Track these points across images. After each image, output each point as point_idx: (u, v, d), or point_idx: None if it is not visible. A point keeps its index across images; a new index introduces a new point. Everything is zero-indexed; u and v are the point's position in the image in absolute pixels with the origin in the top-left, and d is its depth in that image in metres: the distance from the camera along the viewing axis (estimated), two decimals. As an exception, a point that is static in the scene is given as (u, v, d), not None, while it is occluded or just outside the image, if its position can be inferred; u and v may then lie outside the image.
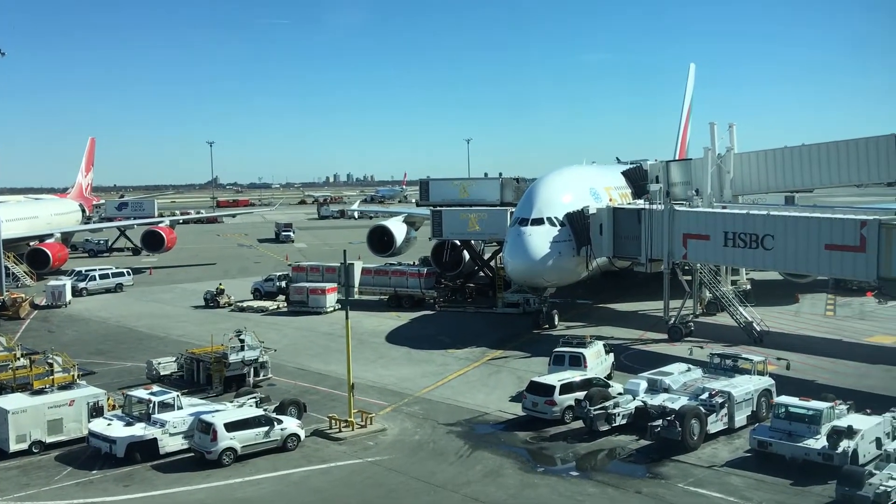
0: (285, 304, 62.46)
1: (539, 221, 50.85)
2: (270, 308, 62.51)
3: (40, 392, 33.22)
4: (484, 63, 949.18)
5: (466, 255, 66.98)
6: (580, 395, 33.20)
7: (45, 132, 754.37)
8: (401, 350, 48.43)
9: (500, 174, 66.17)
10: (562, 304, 57.53)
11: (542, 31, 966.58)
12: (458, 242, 65.49)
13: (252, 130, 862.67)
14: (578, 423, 32.83)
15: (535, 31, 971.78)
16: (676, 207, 49.05)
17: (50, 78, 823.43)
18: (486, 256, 67.95)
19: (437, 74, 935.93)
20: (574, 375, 35.02)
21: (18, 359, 38.91)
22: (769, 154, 57.33)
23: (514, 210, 55.69)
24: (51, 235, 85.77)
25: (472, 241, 65.42)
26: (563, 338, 41.60)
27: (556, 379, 34.41)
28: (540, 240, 50.03)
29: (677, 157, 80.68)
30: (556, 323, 52.79)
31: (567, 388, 33.82)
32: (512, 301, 57.97)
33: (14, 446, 30.60)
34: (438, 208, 63.46)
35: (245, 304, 63.87)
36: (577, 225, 51.49)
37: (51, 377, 35.41)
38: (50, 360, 37.34)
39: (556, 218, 51.23)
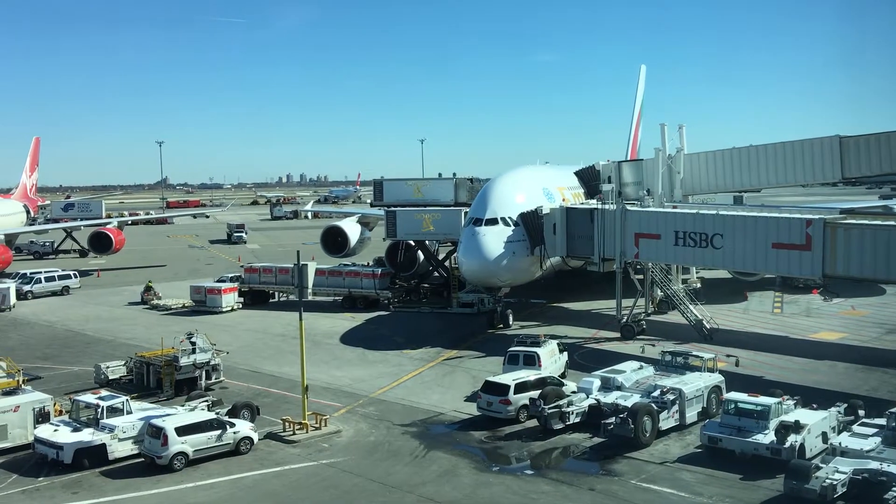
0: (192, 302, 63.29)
1: (493, 221, 51.08)
2: (173, 306, 63.57)
3: (-17, 398, 32.22)
4: (437, 63, 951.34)
5: (421, 255, 66.93)
6: (534, 393, 33.40)
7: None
8: (355, 351, 48.19)
9: (455, 174, 66.29)
10: (516, 303, 57.86)
11: (494, 31, 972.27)
12: (412, 243, 65.39)
13: (203, 130, 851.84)
14: (533, 422, 33.05)
15: (487, 32, 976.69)
16: (628, 207, 49.68)
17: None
18: (441, 257, 67.95)
19: (391, 74, 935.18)
20: (528, 374, 35.23)
21: (-41, 365, 37.69)
22: (718, 154, 58.41)
23: (468, 210, 55.80)
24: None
25: (427, 242, 65.36)
26: (518, 337, 41.83)
27: (510, 378, 34.58)
28: (494, 240, 50.25)
29: (629, 158, 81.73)
30: (511, 322, 53.06)
31: (521, 387, 34.00)
32: (466, 301, 58.09)
33: (-45, 455, 29.70)
34: (392, 209, 63.25)
35: (154, 302, 65.26)
36: (530, 225, 51.84)
37: (-6, 383, 34.37)
38: (-7, 366, 36.22)
39: (510, 218, 51.51)
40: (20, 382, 35.17)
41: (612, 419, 30.71)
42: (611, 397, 32.72)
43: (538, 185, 56.68)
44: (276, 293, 65.74)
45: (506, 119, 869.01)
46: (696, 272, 60.30)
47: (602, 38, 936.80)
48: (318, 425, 33.25)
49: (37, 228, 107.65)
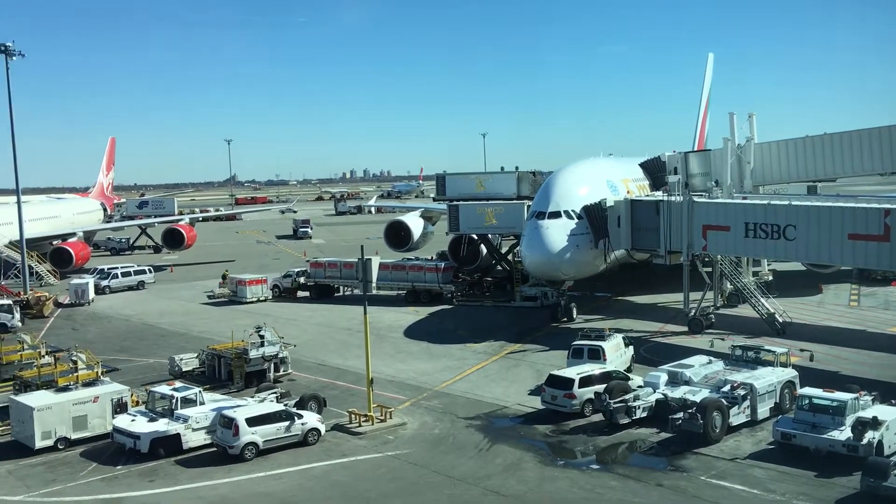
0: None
1: (556, 214, 50.68)
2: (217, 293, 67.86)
3: (65, 389, 33.58)
4: (500, 56, 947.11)
5: (484, 249, 66.90)
6: (600, 388, 33.13)
7: (67, 132, 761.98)
8: (419, 345, 48.52)
9: (517, 168, 65.61)
10: (580, 297, 57.29)
11: (558, 23, 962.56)
12: (475, 237, 65.43)
13: (270, 128, 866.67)
14: (598, 417, 32.77)
15: (551, 24, 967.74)
16: (696, 199, 48.71)
17: (71, 78, 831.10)
18: (504, 250, 67.84)
19: (453, 69, 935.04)
20: (593, 368, 34.95)
21: (43, 357, 39.39)
22: (790, 143, 56.74)
23: (530, 204, 55.53)
24: (73, 234, 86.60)
25: (490, 236, 65.33)
26: (582, 331, 41.49)
27: (575, 372, 34.36)
28: (557, 233, 49.87)
29: (696, 149, 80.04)
30: (575, 316, 52.62)
31: (586, 381, 33.75)
32: (530, 295, 57.85)
33: (39, 443, 30.99)
34: (455, 203, 63.37)
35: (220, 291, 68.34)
36: (594, 217, 51.27)
37: (75, 374, 35.77)
38: (74, 358, 37.68)
39: (573, 211, 51.03)
40: (99, 374, 36.64)
41: (681, 414, 30.17)
42: (679, 392, 32.17)
43: (602, 178, 56.00)
44: (341, 287, 66.62)
45: (569, 112, 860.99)
46: (768, 265, 58.73)
47: (668, 27, 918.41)
48: (383, 418, 33.62)
49: (113, 225, 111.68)
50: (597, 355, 36.86)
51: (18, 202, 69.98)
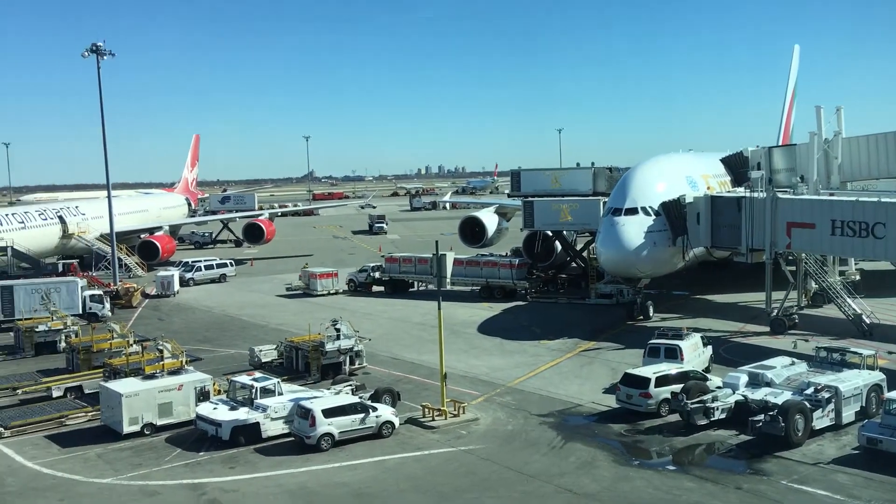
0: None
1: (633, 211, 49.89)
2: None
3: (151, 377, 34.91)
4: (577, 50, 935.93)
5: (558, 245, 66.42)
6: (677, 387, 32.52)
7: (154, 129, 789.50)
8: (493, 340, 48.55)
9: (593, 164, 64.92)
10: (657, 295, 56.32)
11: (635, 15, 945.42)
12: (549, 233, 65.02)
13: (346, 124, 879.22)
14: (675, 417, 32.18)
15: (626, 16, 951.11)
16: (780, 195, 47.24)
17: (157, 77, 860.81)
18: (579, 247, 67.21)
19: (529, 64, 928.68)
20: (670, 368, 34.35)
21: (131, 345, 41.11)
22: (880, 138, 54.42)
23: (606, 200, 54.83)
24: (160, 228, 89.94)
25: (564, 232, 64.81)
26: (659, 329, 40.79)
27: (651, 371, 33.83)
28: (634, 230, 49.10)
29: (780, 143, 77.56)
30: (651, 314, 51.75)
31: (663, 380, 33.19)
32: (605, 292, 57.13)
33: (127, 428, 32.29)
34: (530, 199, 63.15)
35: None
36: (672, 214, 50.28)
37: (161, 363, 37.19)
38: (160, 347, 39.20)
39: (650, 207, 50.14)
40: (183, 363, 37.94)
41: (761, 416, 29.38)
42: (759, 394, 31.30)
43: (681, 173, 54.85)
44: (416, 282, 67.21)
45: (648, 107, 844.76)
46: (855, 264, 56.50)
47: (749, 17, 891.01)
48: (456, 412, 33.80)
49: (197, 220, 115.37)
50: (674, 354, 36.20)
51: (109, 197, 73.11)
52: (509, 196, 75.15)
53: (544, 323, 52.45)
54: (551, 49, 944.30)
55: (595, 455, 29.26)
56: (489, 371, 41.50)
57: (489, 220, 74.48)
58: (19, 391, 38.21)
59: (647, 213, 49.85)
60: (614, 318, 52.55)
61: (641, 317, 51.49)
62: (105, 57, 67.45)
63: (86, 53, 66.76)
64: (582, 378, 39.63)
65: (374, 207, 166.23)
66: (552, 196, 62.59)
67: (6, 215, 75.22)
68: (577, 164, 65.88)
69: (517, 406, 35.51)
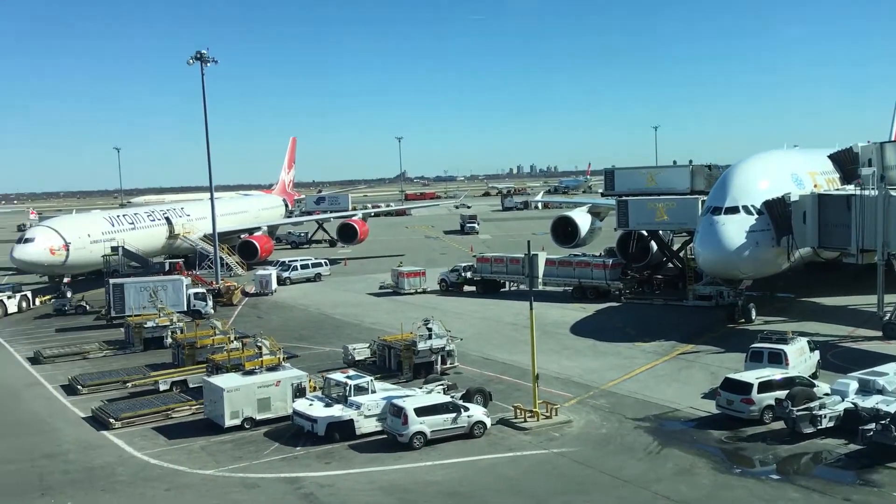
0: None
1: (734, 210, 48.20)
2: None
3: (251, 373, 35.97)
4: (672, 44, 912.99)
5: (654, 245, 64.95)
6: (781, 394, 31.21)
7: (253, 133, 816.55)
8: (586, 342, 47.84)
9: (690, 162, 63.17)
10: (759, 297, 54.19)
11: (737, 7, 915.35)
12: (644, 233, 63.68)
13: (438, 125, 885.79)
14: (779, 424, 30.85)
15: (729, 9, 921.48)
16: (892, 193, 44.69)
17: (257, 82, 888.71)
18: (676, 247, 65.52)
19: (623, 60, 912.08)
20: (774, 373, 32.99)
21: (232, 342, 42.48)
22: None
23: (705, 199, 53.24)
24: (258, 228, 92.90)
25: (661, 232, 63.33)
26: (762, 333, 39.22)
27: (753, 376, 32.56)
28: (735, 229, 47.43)
29: (893, 139, 73.46)
30: (754, 317, 49.91)
31: (766, 386, 31.90)
32: (704, 294, 55.34)
33: (228, 422, 33.35)
34: (624, 198, 62.00)
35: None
36: (776, 213, 48.31)
37: (260, 359, 38.22)
38: (259, 344, 40.30)
39: (752, 206, 48.32)
40: (281, 360, 38.93)
41: (873, 425, 27.80)
42: (871, 401, 29.67)
43: (785, 171, 52.67)
44: (507, 283, 66.97)
45: (750, 102, 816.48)
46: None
47: (857, 7, 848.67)
48: (548, 414, 33.43)
49: (293, 220, 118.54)
50: (778, 359, 34.77)
51: (212, 199, 75.87)
52: (603, 195, 74.11)
53: (639, 325, 51.34)
54: (647, 42, 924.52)
55: (694, 462, 28.37)
56: (582, 373, 40.89)
57: (582, 219, 73.50)
58: (129, 384, 40.13)
59: (748, 212, 48.09)
60: (714, 320, 50.92)
61: (743, 320, 49.75)
62: (208, 64, 70.03)
63: (191, 61, 69.46)
64: (679, 382, 38.55)
65: (469, 207, 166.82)
66: (647, 195, 61.27)
67: (118, 217, 79.09)
68: (674, 163, 64.21)
69: (611, 409, 34.83)
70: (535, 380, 34.46)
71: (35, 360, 48.08)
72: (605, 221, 75.81)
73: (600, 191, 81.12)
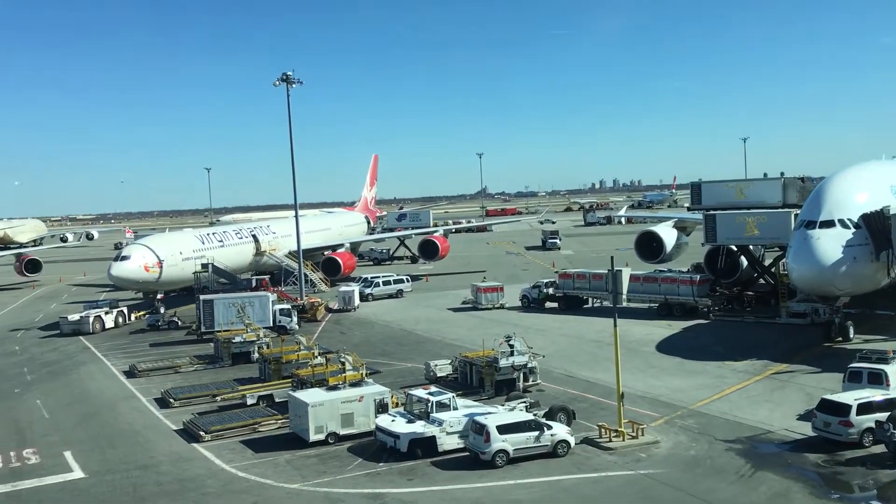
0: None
1: (829, 223, 46.20)
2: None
3: (335, 388, 36.38)
4: (759, 52, 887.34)
5: (744, 261, 62.91)
6: (882, 416, 29.61)
7: (335, 151, 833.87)
8: (672, 360, 46.59)
9: (782, 174, 61.05)
10: (857, 314, 51.77)
11: (823, 10, 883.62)
12: (734, 248, 61.75)
13: (519, 140, 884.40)
14: (880, 448, 29.33)
15: (815, 12, 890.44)
16: None
17: (339, 101, 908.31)
18: (767, 262, 63.27)
19: (708, 69, 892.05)
20: (874, 394, 31.37)
21: (316, 357, 43.10)
22: None
23: (798, 212, 51.27)
24: (341, 245, 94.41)
25: (751, 247, 61.30)
26: (861, 352, 37.41)
27: (852, 397, 31.03)
28: (830, 244, 45.41)
29: None
30: (852, 336, 47.69)
31: (866, 407, 30.35)
32: (798, 311, 53.34)
33: (313, 437, 33.79)
34: (712, 212, 60.32)
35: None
36: (875, 227, 46.05)
37: (343, 375, 38.68)
38: (342, 359, 40.80)
39: (849, 219, 46.23)
40: (363, 375, 39.28)
41: None
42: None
43: (885, 182, 50.28)
44: (590, 299, 66.01)
45: (842, 111, 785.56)
46: None
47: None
48: (634, 434, 32.62)
49: (375, 237, 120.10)
50: (879, 380, 33.09)
51: (297, 217, 77.49)
52: (689, 209, 72.28)
53: (729, 343, 49.73)
54: (733, 51, 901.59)
55: (789, 486, 27.15)
56: (669, 392, 39.78)
57: (667, 234, 71.82)
58: (218, 398, 41.23)
59: (845, 226, 46.01)
60: (809, 339, 48.92)
61: (840, 338, 47.60)
62: (294, 85, 71.81)
63: (277, 83, 71.35)
64: (773, 403, 37.06)
65: (554, 223, 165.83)
66: (736, 209, 59.44)
67: (208, 235, 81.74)
68: (765, 175, 62.18)
69: (700, 430, 33.73)
70: (621, 398, 33.68)
71: (130, 373, 49.98)
72: (692, 237, 73.95)
73: (686, 205, 79.13)
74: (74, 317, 66.93)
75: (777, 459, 29.93)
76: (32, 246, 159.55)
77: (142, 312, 71.71)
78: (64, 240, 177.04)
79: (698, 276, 60.98)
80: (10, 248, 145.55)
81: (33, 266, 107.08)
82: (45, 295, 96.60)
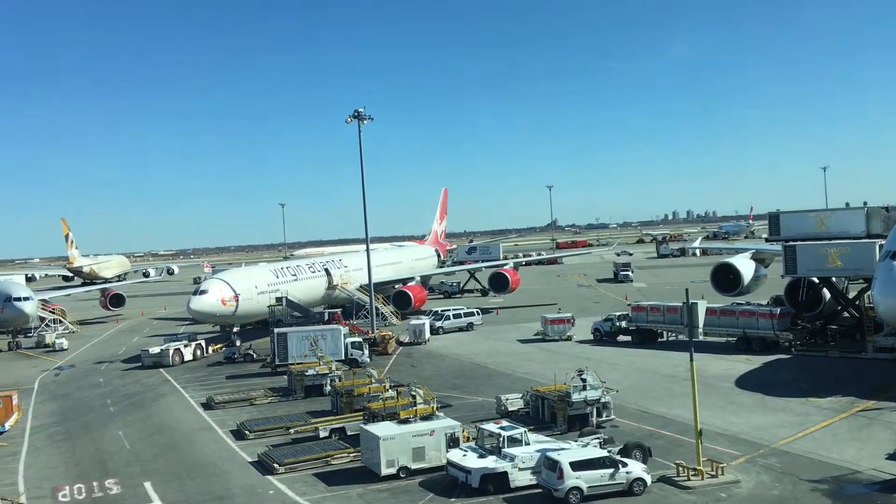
0: None
1: (917, 254, 44.28)
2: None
3: (406, 421, 36.38)
4: (844, 76, 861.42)
5: (826, 293, 60.69)
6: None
7: (405, 185, 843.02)
8: (753, 396, 45.05)
9: (865, 203, 58.97)
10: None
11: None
12: (815, 280, 59.67)
13: (589, 172, 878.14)
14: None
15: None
16: None
17: (407, 136, 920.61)
18: (851, 295, 60.88)
19: (785, 95, 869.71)
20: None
21: (387, 390, 43.26)
22: None
23: (883, 243, 49.29)
24: (412, 279, 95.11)
25: (833, 279, 59.14)
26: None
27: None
28: (919, 275, 43.45)
29: None
30: (945, 371, 45.30)
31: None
32: (886, 345, 51.06)
33: (384, 470, 33.78)
34: (791, 243, 58.55)
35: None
36: (967, 257, 43.90)
37: (414, 408, 38.65)
38: (413, 393, 40.82)
39: (938, 249, 44.20)
40: (434, 409, 39.17)
41: None
42: None
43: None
44: (665, 332, 64.64)
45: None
46: None
47: None
48: (714, 473, 31.56)
49: (445, 270, 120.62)
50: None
51: (368, 251, 78.50)
52: (767, 241, 70.37)
53: (812, 378, 47.87)
54: (812, 77, 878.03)
55: (881, 531, 25.77)
56: (750, 429, 38.41)
57: (745, 266, 69.95)
58: (292, 430, 41.71)
59: (934, 257, 44.01)
60: (897, 374, 46.67)
61: (932, 374, 45.23)
62: (365, 121, 73.23)
63: (349, 119, 72.91)
64: (860, 441, 35.39)
65: (631, 255, 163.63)
66: (817, 240, 57.56)
67: (282, 269, 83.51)
68: (847, 205, 60.06)
69: (783, 469, 32.41)
70: (699, 436, 32.66)
71: (207, 405, 51.10)
72: (771, 268, 71.88)
73: (764, 236, 76.96)
74: (155, 350, 69.02)
75: (866, 500, 28.56)
76: (117, 281, 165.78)
77: (219, 345, 73.44)
78: (146, 275, 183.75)
79: (779, 309, 59.09)
80: (95, 284, 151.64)
81: (117, 300, 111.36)
82: (128, 328, 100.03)
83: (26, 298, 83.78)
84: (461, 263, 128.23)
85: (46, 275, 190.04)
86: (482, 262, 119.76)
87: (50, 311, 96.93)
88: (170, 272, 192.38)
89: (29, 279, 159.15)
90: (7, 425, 47.06)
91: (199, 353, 71.13)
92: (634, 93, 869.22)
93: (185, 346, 70.37)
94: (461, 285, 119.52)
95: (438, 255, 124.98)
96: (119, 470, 37.81)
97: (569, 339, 68.40)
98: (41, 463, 39.90)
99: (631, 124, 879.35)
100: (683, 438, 36.81)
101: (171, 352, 68.32)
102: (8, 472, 38.32)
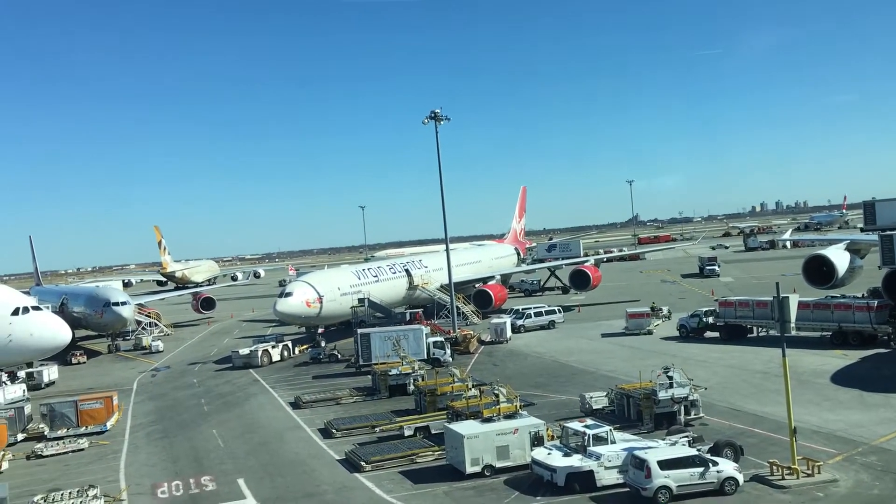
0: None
1: None
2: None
3: (489, 420, 36.47)
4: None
5: (929, 285, 57.61)
6: None
7: (484, 184, 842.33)
8: (850, 392, 43.27)
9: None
10: None
11: None
12: (916, 270, 56.74)
13: (671, 165, 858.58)
14: None
15: None
16: None
17: (486, 135, 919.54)
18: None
19: (876, 81, 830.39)
20: None
21: (470, 389, 43.43)
22: None
23: None
24: (492, 277, 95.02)
25: (937, 270, 56.12)
26: None
27: None
28: None
29: None
30: None
31: None
32: None
33: (469, 468, 33.90)
34: (888, 233, 55.86)
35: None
36: None
37: (497, 407, 38.66)
38: (496, 391, 40.85)
39: None
40: (518, 407, 39.08)
41: None
42: None
43: None
44: (754, 328, 62.75)
45: None
46: None
47: None
48: (810, 471, 30.49)
49: (525, 268, 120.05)
50: None
51: (447, 251, 78.86)
52: (862, 230, 67.41)
53: (915, 373, 45.62)
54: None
55: None
56: (847, 427, 36.91)
57: (838, 257, 67.10)
58: (377, 429, 42.31)
59: None
60: None
61: None
62: (442, 122, 73.58)
63: (426, 120, 73.41)
64: (969, 440, 33.55)
65: (727, 248, 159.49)
66: (916, 228, 54.74)
67: (363, 270, 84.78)
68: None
69: (884, 468, 31.05)
70: (793, 433, 31.57)
71: (295, 404, 52.32)
72: (867, 259, 68.74)
73: (859, 226, 73.78)
74: (245, 351, 71.09)
75: (978, 503, 27.01)
76: (207, 285, 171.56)
77: (304, 346, 75.09)
78: (234, 279, 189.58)
79: (876, 302, 56.53)
80: (187, 288, 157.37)
81: (208, 304, 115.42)
82: (218, 330, 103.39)
83: (124, 303, 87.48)
84: (541, 261, 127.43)
85: (142, 280, 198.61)
86: (562, 259, 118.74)
87: (146, 315, 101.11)
88: (256, 276, 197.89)
89: (126, 284, 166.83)
90: (108, 425, 49.32)
91: (286, 353, 72.84)
92: (717, 84, 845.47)
93: (273, 347, 72.24)
94: (542, 283, 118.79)
95: (518, 254, 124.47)
96: (214, 467, 39.12)
97: (649, 332, 67.76)
98: (141, 461, 41.66)
99: (715, 114, 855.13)
100: (776, 436, 35.65)
101: (259, 353, 70.27)
102: (111, 470, 40.15)
